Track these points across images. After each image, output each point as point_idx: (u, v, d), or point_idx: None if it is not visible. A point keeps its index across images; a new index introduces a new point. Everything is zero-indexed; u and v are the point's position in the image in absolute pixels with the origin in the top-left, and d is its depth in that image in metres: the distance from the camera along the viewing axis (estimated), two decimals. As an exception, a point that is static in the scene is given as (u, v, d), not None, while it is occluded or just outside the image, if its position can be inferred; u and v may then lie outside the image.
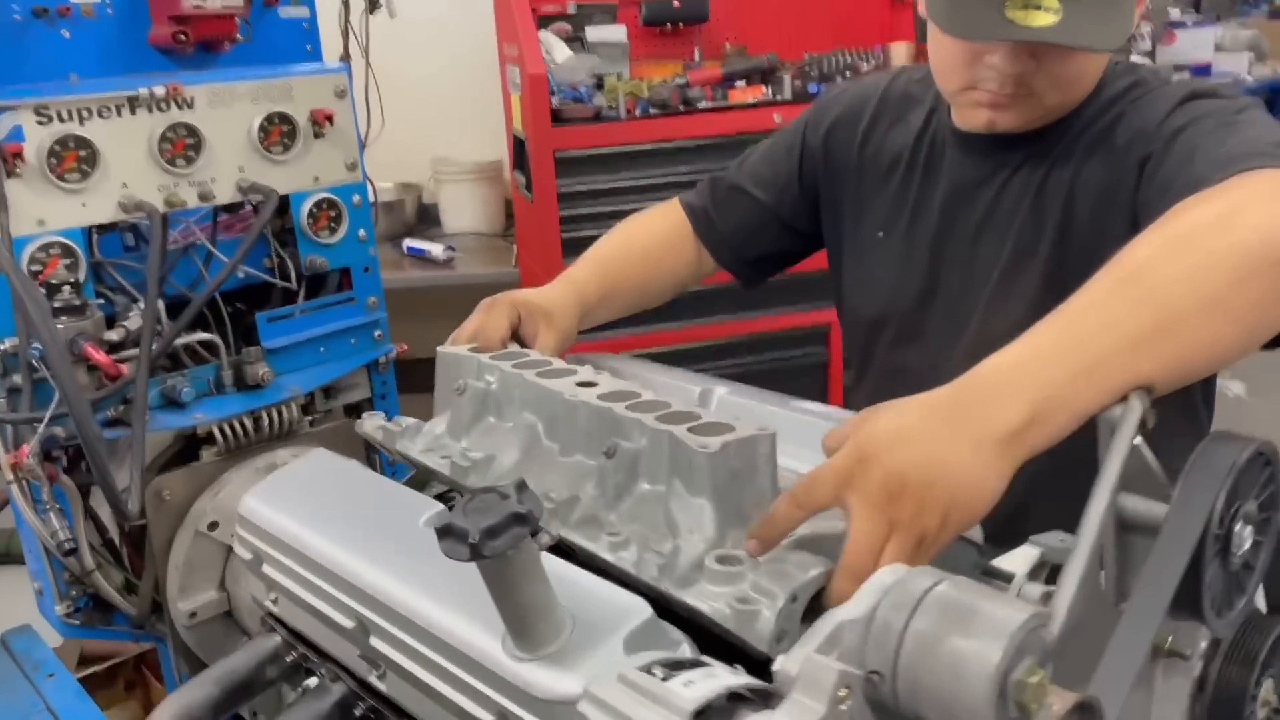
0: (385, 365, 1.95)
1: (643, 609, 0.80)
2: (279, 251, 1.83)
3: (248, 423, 1.72)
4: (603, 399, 1.04)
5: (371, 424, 1.20)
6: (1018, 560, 1.08)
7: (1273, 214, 0.88)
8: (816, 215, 1.58)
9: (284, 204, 1.77)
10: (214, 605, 1.64)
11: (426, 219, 4.34)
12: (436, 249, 3.83)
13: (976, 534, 1.04)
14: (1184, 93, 1.18)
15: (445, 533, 0.74)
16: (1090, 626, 0.83)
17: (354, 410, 1.97)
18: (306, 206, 1.80)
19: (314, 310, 1.85)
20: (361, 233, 1.89)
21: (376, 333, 1.94)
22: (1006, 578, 1.06)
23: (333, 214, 1.84)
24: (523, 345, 1.33)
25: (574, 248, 3.02)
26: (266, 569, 1.06)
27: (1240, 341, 0.86)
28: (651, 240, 1.61)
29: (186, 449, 1.73)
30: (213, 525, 1.62)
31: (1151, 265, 0.88)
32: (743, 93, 3.15)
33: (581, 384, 1.09)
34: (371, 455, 1.97)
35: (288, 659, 1.10)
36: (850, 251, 1.52)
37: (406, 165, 4.05)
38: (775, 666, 0.62)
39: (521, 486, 0.76)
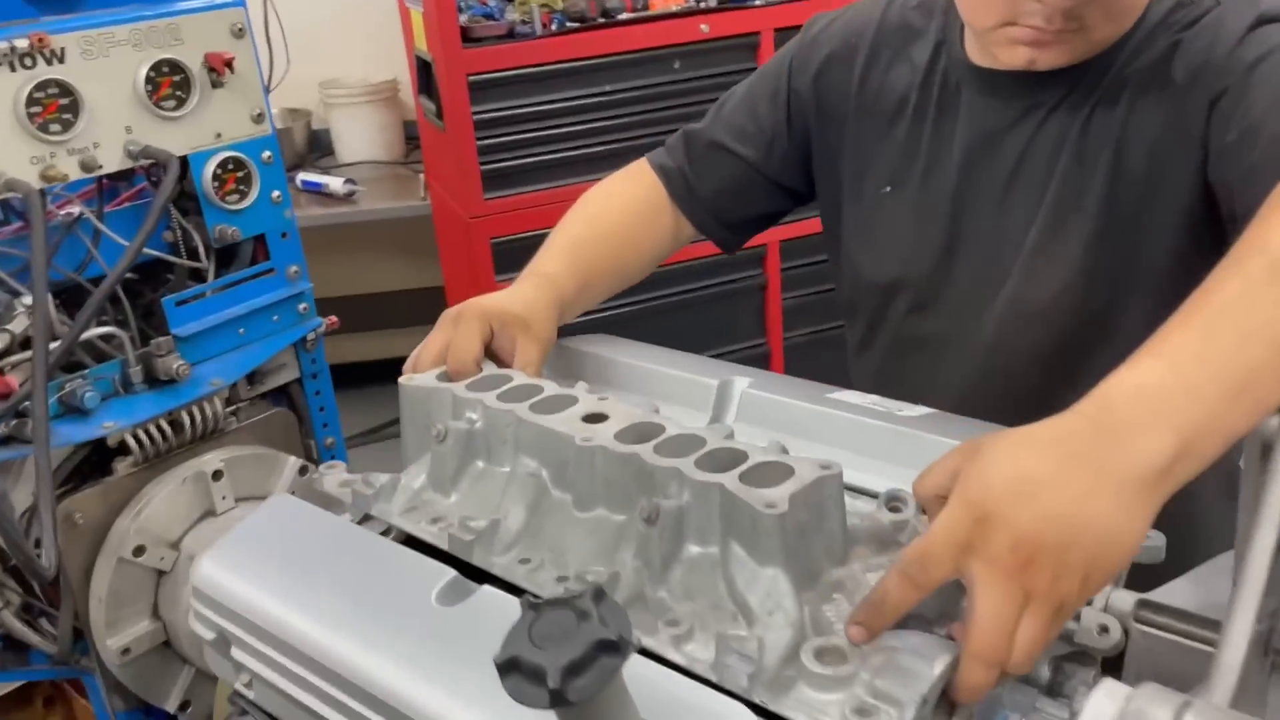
0: (314, 342, 1.74)
1: (741, 715, 0.65)
2: (181, 223, 1.58)
3: (166, 426, 1.49)
4: (621, 438, 0.87)
5: (333, 480, 1.01)
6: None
7: None
8: (809, 169, 1.41)
9: (183, 166, 1.52)
10: (149, 637, 1.45)
11: (318, 147, 4.02)
12: (335, 182, 3.53)
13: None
14: (1252, 16, 1.03)
15: (512, 669, 0.57)
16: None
17: (284, 395, 1.75)
18: (210, 168, 1.55)
19: (228, 287, 1.61)
20: (276, 194, 1.65)
21: (302, 306, 1.71)
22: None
23: (241, 174, 1.59)
24: (498, 361, 1.13)
25: (497, 180, 2.79)
26: (238, 653, 0.88)
27: None
28: (625, 215, 1.39)
29: (93, 459, 1.50)
30: (139, 550, 1.41)
31: None
32: (665, 0, 2.93)
33: (589, 418, 0.92)
34: (306, 441, 1.77)
35: (268, 744, 0.93)
36: (852, 209, 1.35)
37: (293, 89, 3.71)
38: None
39: (599, 595, 0.59)
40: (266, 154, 1.62)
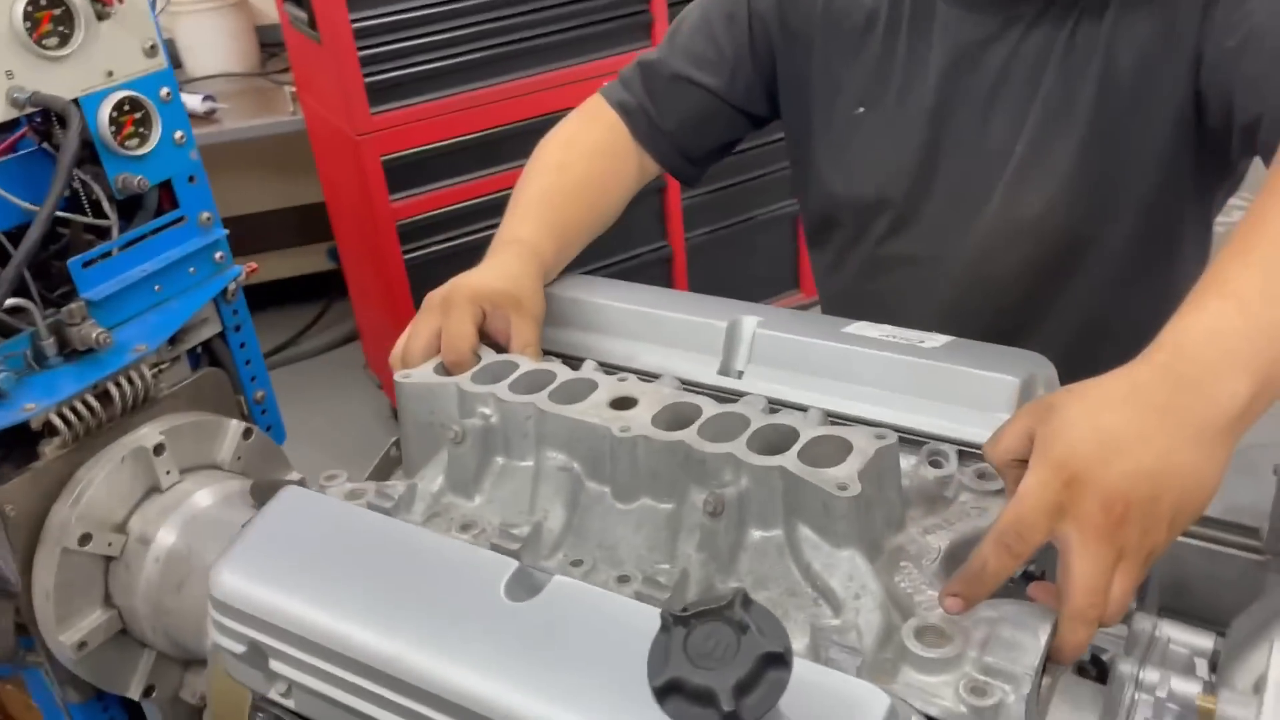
0: (235, 292, 1.61)
1: (878, 698, 0.64)
2: (78, 174, 1.42)
3: (93, 400, 1.37)
4: (658, 423, 0.84)
5: (338, 493, 0.93)
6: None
7: None
8: (774, 93, 1.35)
9: (73, 112, 1.36)
10: (104, 628, 1.35)
11: (164, 62, 3.69)
12: (193, 100, 3.27)
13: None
14: None
15: (674, 691, 0.55)
16: None
17: (208, 352, 1.63)
18: (105, 111, 1.39)
19: (137, 242, 1.47)
20: (179, 134, 1.50)
21: (218, 254, 1.58)
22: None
23: (139, 115, 1.44)
24: (493, 344, 1.05)
25: (383, 93, 2.63)
26: (278, 665, 0.82)
27: None
28: (592, 162, 1.30)
29: (16, 445, 1.36)
30: (84, 538, 1.30)
31: None
32: (544, -110, 2.76)
33: (616, 403, 0.88)
34: (238, 396, 1.66)
35: (307, 750, 0.88)
36: (823, 131, 1.31)
37: (130, 0, 3.37)
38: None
39: (746, 601, 0.57)
40: (164, 90, 1.47)
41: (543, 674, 0.70)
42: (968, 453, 0.89)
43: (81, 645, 1.33)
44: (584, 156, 1.30)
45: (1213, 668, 0.79)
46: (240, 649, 0.84)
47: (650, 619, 0.72)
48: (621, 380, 0.93)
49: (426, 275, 2.82)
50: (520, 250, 1.13)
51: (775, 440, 0.83)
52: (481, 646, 0.72)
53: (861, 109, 1.25)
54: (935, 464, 0.88)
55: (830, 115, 1.29)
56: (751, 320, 1.03)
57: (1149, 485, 0.69)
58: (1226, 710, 0.56)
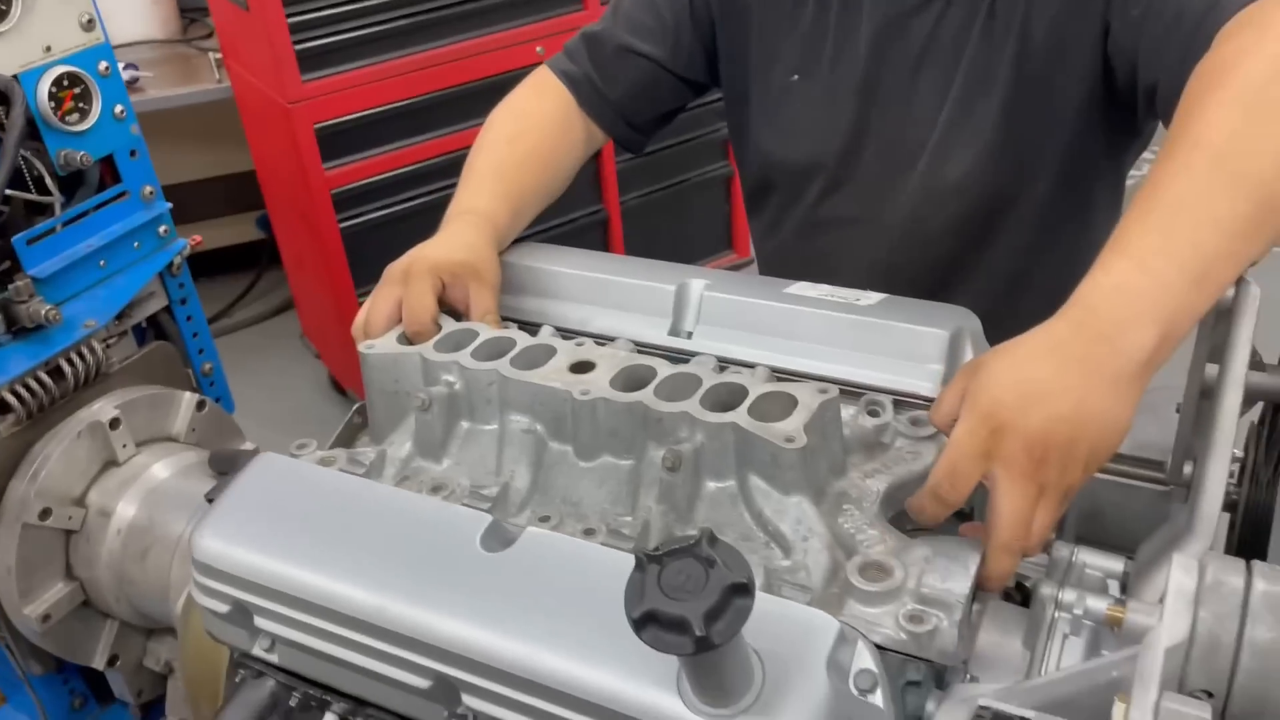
0: (180, 266, 1.62)
1: (828, 623, 0.71)
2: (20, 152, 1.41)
3: (45, 377, 1.38)
4: (616, 385, 0.90)
5: (311, 461, 0.97)
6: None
7: None
8: (714, 61, 1.40)
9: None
10: (67, 600, 1.37)
11: (81, 29, 3.59)
12: (115, 70, 3.19)
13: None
14: None
15: (650, 621, 0.60)
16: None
17: (153, 326, 1.64)
18: (44, 87, 1.39)
19: (81, 218, 1.48)
20: (119, 108, 1.50)
21: (162, 228, 1.59)
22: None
23: (79, 91, 1.44)
24: (453, 314, 1.08)
25: (314, 60, 2.61)
26: (263, 623, 0.86)
27: None
28: (541, 133, 1.33)
29: (-34, 422, 1.37)
30: (44, 513, 1.32)
31: (1236, 143, 0.81)
32: None
33: (575, 367, 0.93)
34: (186, 369, 1.67)
35: (290, 702, 0.92)
36: (760, 98, 1.36)
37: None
38: (1120, 717, 0.56)
39: (713, 539, 0.63)
40: (103, 65, 1.47)
41: (523, 616, 0.75)
42: (903, 402, 0.96)
43: (46, 618, 1.35)
44: (533, 128, 1.34)
45: (1123, 588, 0.87)
46: (224, 609, 0.88)
47: (618, 563, 0.78)
48: (579, 345, 0.98)
49: (363, 243, 2.82)
50: (475, 220, 1.17)
51: (726, 397, 0.89)
52: (462, 594, 0.78)
53: (795, 77, 1.31)
54: (873, 413, 0.95)
55: (766, 83, 1.34)
56: (699, 283, 1.09)
57: (1067, 429, 0.76)
58: (1133, 618, 0.64)
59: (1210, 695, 0.58)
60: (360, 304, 3.11)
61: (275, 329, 3.89)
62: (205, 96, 3.21)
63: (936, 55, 1.21)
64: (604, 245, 3.20)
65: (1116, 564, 0.89)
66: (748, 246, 3.55)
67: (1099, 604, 0.77)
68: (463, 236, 1.13)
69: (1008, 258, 1.29)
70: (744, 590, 0.61)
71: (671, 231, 3.35)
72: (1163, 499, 0.99)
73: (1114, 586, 0.88)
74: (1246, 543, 0.97)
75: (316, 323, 3.37)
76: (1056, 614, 0.81)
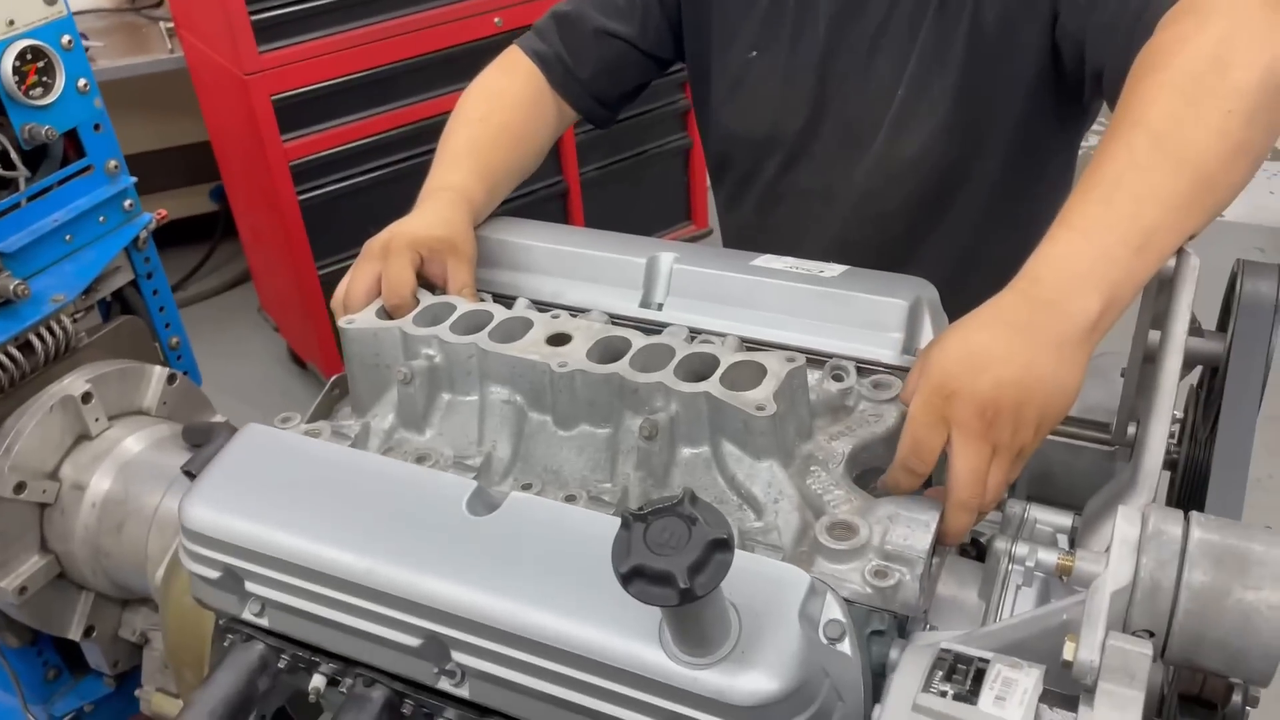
0: (146, 240, 1.63)
1: (800, 577, 0.75)
2: (-18, 126, 1.41)
3: (15, 352, 1.39)
4: (593, 357, 0.93)
5: (297, 434, 0.99)
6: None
7: (1259, 41, 0.89)
8: (679, 37, 1.43)
9: (-25, 62, 1.35)
10: (43, 572, 1.39)
11: None
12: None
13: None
14: None
15: (637, 575, 0.64)
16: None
17: (119, 300, 1.64)
18: (8, 61, 1.39)
19: (46, 192, 1.47)
20: (82, 82, 1.50)
21: (127, 202, 1.59)
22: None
23: (42, 65, 1.44)
24: (430, 287, 1.10)
25: (271, 31, 2.59)
26: (255, 587, 0.89)
27: (1257, 167, 0.89)
28: (513, 111, 1.35)
29: (-64, 398, 1.38)
30: (19, 487, 1.34)
31: (1174, 125, 0.86)
32: None
33: (552, 340, 0.96)
34: (154, 343, 1.68)
35: (279, 664, 0.95)
36: (721, 74, 1.39)
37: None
38: (1068, 656, 0.61)
39: (694, 499, 0.67)
40: (66, 38, 1.47)
41: (510, 576, 0.79)
42: (865, 368, 1.00)
43: (22, 590, 1.36)
44: (505, 107, 1.36)
45: (1071, 542, 0.93)
46: (214, 575, 0.90)
47: (600, 524, 0.82)
48: (555, 317, 1.01)
49: (322, 215, 2.81)
50: (451, 197, 1.19)
51: (699, 367, 0.93)
52: (451, 556, 0.81)
53: (754, 53, 1.34)
54: (837, 378, 0.99)
55: (726, 59, 1.37)
56: (668, 256, 1.12)
57: (1015, 392, 0.80)
58: (1081, 566, 0.69)
59: (1151, 634, 0.63)
60: (320, 277, 3.09)
61: (232, 302, 3.86)
62: (157, 67, 3.17)
63: (894, 32, 1.25)
64: (564, 216, 3.22)
65: (1065, 519, 0.94)
66: (706, 218, 3.59)
67: (1049, 556, 0.82)
68: (440, 213, 1.16)
69: (962, 232, 1.34)
70: (724, 545, 0.65)
71: (631, 203, 3.38)
72: (1108, 459, 1.05)
73: (1063, 540, 0.94)
74: (1186, 499, 1.03)
75: (275, 296, 3.35)
76: (1010, 567, 0.86)
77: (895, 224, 1.34)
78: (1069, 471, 1.07)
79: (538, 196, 3.15)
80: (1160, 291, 0.88)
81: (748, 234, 1.49)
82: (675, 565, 0.63)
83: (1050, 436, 1.07)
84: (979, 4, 1.19)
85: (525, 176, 1.36)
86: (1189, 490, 1.02)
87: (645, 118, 3.25)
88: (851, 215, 1.36)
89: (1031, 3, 1.16)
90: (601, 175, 3.27)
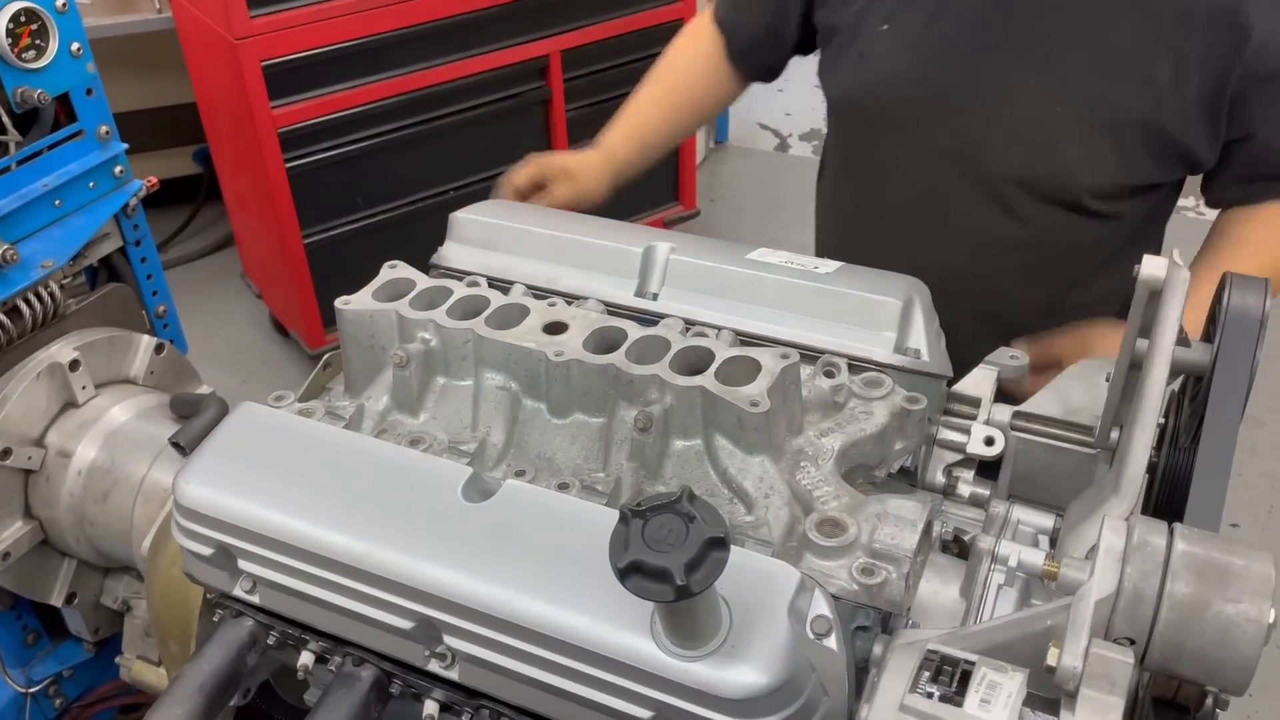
0: (135, 207, 1.61)
1: (790, 573, 0.77)
2: (-27, 87, 1.40)
3: (3, 317, 1.38)
4: (588, 346, 0.94)
5: (291, 413, 1.00)
6: (978, 384, 1.15)
7: None
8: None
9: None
10: (27, 538, 1.39)
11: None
12: None
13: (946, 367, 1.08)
14: None
15: (635, 571, 0.66)
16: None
17: (106, 267, 1.63)
18: (1, 23, 1.37)
19: (36, 157, 1.46)
20: (75, 46, 1.48)
21: (117, 168, 1.58)
22: (973, 402, 1.13)
23: (35, 27, 1.42)
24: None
25: (263, -2, 2.57)
26: (248, 565, 0.89)
27: None
28: (683, 75, 1.56)
29: (-78, 361, 1.37)
30: (4, 453, 1.33)
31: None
32: None
33: (549, 328, 0.97)
34: (141, 311, 1.67)
35: (268, 640, 0.96)
36: (849, 43, 1.41)
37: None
38: (1052, 662, 0.63)
39: (692, 496, 0.68)
40: (60, 1, 1.45)
41: (505, 563, 0.80)
42: (857, 365, 1.02)
43: (5, 556, 1.36)
44: (678, 69, 1.55)
45: (1052, 543, 0.95)
46: (207, 551, 0.91)
47: (594, 515, 0.83)
48: (551, 305, 1.02)
49: (310, 184, 2.80)
50: (599, 149, 1.51)
51: (694, 361, 0.94)
52: (446, 542, 0.82)
53: (885, 26, 1.36)
54: (829, 375, 1.00)
55: (859, 28, 1.39)
56: (665, 246, 1.13)
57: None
58: (1066, 572, 0.71)
59: (1132, 642, 0.65)
60: (305, 246, 3.08)
61: (214, 266, 3.84)
62: (144, 27, 3.14)
63: (1042, 25, 1.27)
64: (552, 193, 3.21)
65: (1047, 520, 0.96)
66: (694, 199, 3.59)
67: (1032, 558, 0.84)
68: (584, 154, 1.45)
69: (1072, 254, 1.40)
70: (721, 544, 0.66)
71: (619, 181, 3.37)
72: (1090, 461, 1.07)
73: (1044, 541, 0.96)
74: (1163, 503, 1.06)
75: (259, 262, 3.33)
76: (992, 566, 0.88)
77: (987, 223, 1.38)
78: (1051, 472, 1.09)
79: (526, 172, 3.14)
80: (1150, 301, 0.89)
81: (852, 210, 1.54)
82: (672, 562, 0.65)
83: (1033, 438, 1.09)
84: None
85: (686, 137, 1.60)
86: (1166, 495, 1.04)
87: (637, 96, 3.24)
88: (980, 190, 1.38)
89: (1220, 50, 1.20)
90: (591, 153, 3.26)
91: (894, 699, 0.63)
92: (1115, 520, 0.67)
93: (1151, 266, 0.88)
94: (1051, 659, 0.62)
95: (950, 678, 0.64)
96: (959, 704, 0.62)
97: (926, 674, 0.64)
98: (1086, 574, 0.67)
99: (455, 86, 2.92)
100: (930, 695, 0.63)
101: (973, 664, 0.64)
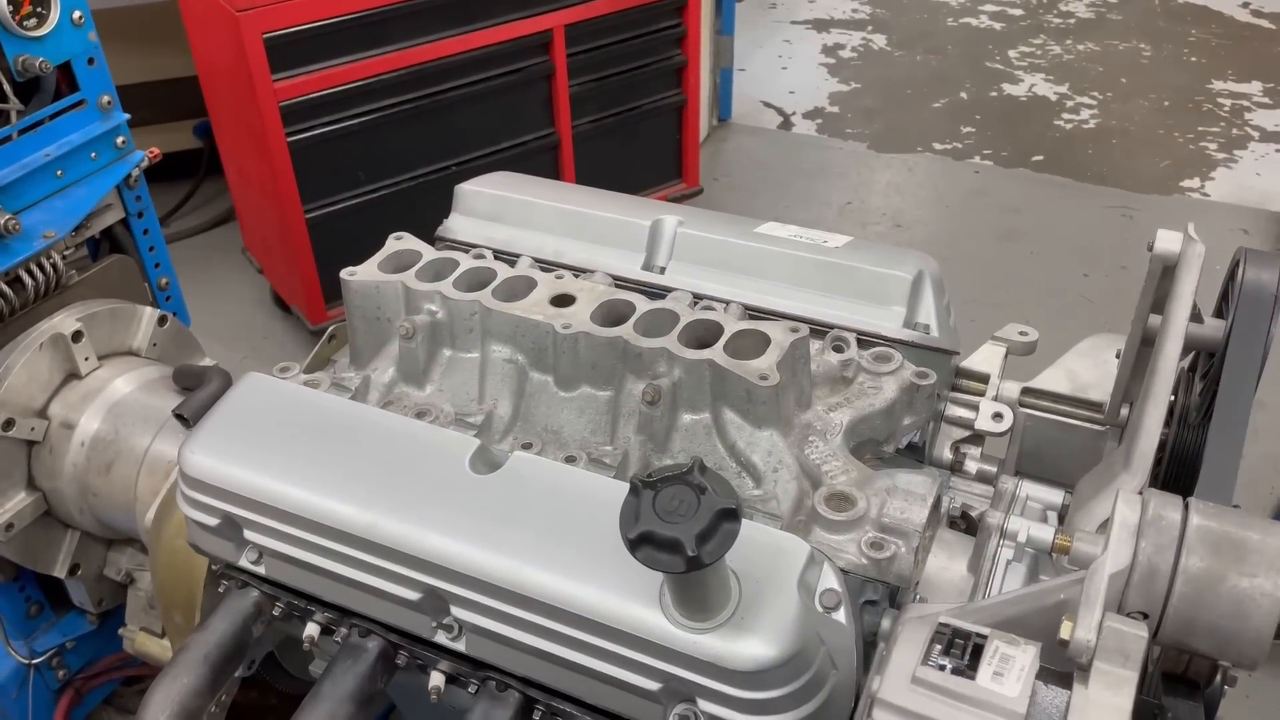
0: (138, 178, 1.60)
1: (800, 546, 0.76)
2: (-27, 55, 1.38)
3: (4, 287, 1.37)
4: (596, 319, 0.94)
5: (297, 384, 0.99)
6: (986, 359, 1.14)
7: None
8: None
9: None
10: (30, 510, 1.38)
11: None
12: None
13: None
14: None
15: (645, 542, 0.65)
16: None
17: (108, 238, 1.62)
18: (2, -10, 1.35)
19: (37, 126, 1.45)
20: (77, 14, 1.47)
21: (119, 139, 1.57)
22: (982, 378, 1.12)
23: (36, -6, 1.40)
24: None
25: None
26: (254, 536, 0.89)
27: None
28: None
29: (-76, 331, 1.36)
30: (7, 424, 1.33)
31: None
32: None
33: (556, 300, 0.96)
34: (144, 283, 1.66)
35: (274, 611, 0.96)
36: None
37: None
38: (1065, 635, 0.62)
39: (703, 468, 0.67)
40: (61, -32, 1.43)
41: (513, 535, 0.80)
42: (866, 340, 1.01)
43: (9, 527, 1.36)
44: None
45: (1060, 519, 0.95)
46: (212, 522, 0.91)
47: (603, 487, 0.82)
48: (559, 278, 1.01)
49: (312, 158, 2.78)
50: None
51: (702, 334, 0.94)
52: (454, 513, 0.82)
53: None
54: (838, 349, 1.00)
55: None
56: (672, 219, 1.12)
57: None
58: (1079, 546, 0.71)
59: (1145, 616, 0.65)
60: (307, 221, 3.06)
61: (215, 241, 3.81)
62: (144, -2, 3.10)
63: None
64: (554, 170, 3.19)
65: (1055, 496, 0.96)
66: (697, 176, 3.57)
67: (1041, 533, 0.84)
68: None
69: None
70: (732, 515, 0.66)
71: (622, 158, 3.35)
72: (1098, 438, 1.06)
73: (1052, 517, 0.96)
74: (1171, 479, 1.05)
75: (260, 237, 3.32)
76: (1001, 542, 0.88)
77: None
78: (1059, 449, 1.09)
79: (527, 149, 3.12)
80: (1164, 277, 0.89)
81: None
82: (684, 533, 0.64)
83: (1042, 414, 1.09)
84: None
85: None
86: (1175, 471, 1.04)
87: (640, 73, 3.23)
88: None
89: None
90: (594, 129, 3.24)
91: (906, 671, 0.63)
92: (1129, 494, 0.67)
93: (1166, 241, 0.87)
94: (1065, 632, 0.62)
95: (962, 651, 0.64)
96: (971, 676, 0.62)
97: (938, 647, 0.64)
98: (1100, 548, 0.66)
99: (458, 60, 2.89)
100: (942, 667, 0.63)
101: (985, 637, 0.64)
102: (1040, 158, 3.97)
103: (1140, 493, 0.69)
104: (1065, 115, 4.26)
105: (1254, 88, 4.41)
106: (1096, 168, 3.91)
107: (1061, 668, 0.65)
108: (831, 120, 4.27)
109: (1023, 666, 0.62)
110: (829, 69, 4.47)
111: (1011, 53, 4.73)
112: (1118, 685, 0.60)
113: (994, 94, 4.42)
